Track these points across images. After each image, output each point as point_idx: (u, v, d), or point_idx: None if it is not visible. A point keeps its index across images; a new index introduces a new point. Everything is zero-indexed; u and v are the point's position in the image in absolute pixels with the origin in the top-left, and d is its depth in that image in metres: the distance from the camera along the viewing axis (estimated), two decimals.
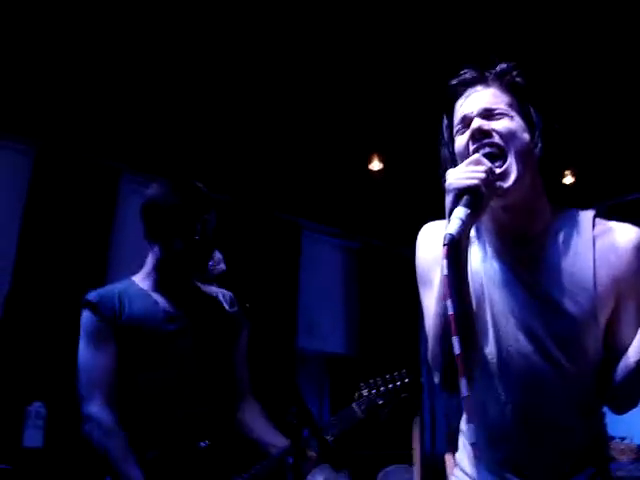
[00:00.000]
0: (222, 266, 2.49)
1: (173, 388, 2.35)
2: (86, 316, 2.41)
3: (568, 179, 5.99)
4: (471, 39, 4.40)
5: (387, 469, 5.66)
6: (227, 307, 2.58)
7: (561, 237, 1.72)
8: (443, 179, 1.65)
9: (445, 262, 1.40)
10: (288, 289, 6.63)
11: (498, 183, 1.62)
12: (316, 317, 6.92)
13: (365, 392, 2.84)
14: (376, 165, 5.92)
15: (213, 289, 2.66)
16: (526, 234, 1.74)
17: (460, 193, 1.56)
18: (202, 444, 2.32)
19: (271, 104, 5.20)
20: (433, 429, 7.40)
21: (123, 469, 2.20)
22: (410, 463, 5.47)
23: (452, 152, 1.81)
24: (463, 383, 1.29)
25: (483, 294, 1.73)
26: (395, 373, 2.90)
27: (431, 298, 1.72)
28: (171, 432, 2.31)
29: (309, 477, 4.48)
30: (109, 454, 2.23)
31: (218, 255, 2.64)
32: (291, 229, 6.92)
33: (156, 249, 2.49)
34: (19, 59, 4.68)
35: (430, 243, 1.87)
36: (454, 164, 1.76)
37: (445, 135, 1.87)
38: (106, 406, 2.28)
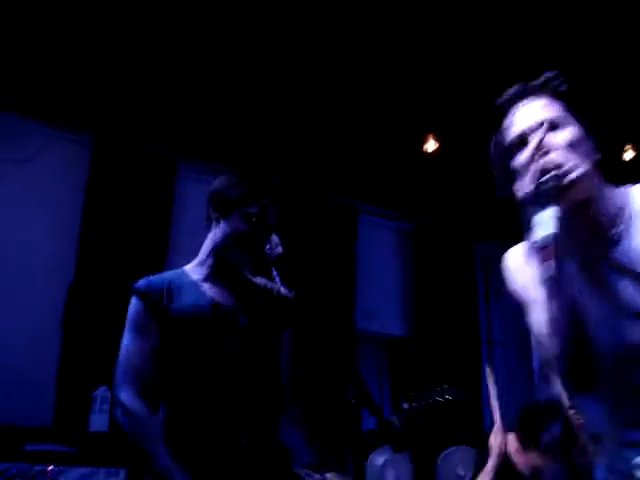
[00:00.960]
0: (279, 249, 2.45)
1: (219, 383, 2.32)
2: (133, 303, 2.41)
3: (629, 154, 5.87)
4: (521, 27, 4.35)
5: (448, 451, 5.63)
6: (276, 302, 2.55)
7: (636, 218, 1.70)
8: (500, 196, 1.64)
9: (552, 262, 1.39)
10: (345, 272, 6.63)
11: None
12: (374, 299, 6.91)
13: (405, 405, 2.73)
14: (431, 145, 5.87)
15: (263, 282, 2.61)
16: (602, 225, 1.72)
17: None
18: (243, 442, 2.29)
19: (325, 86, 5.20)
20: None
21: (154, 457, 2.19)
22: (472, 445, 5.43)
23: (508, 168, 1.80)
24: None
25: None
26: (444, 387, 2.73)
27: (537, 311, 1.69)
28: (214, 427, 2.29)
29: (371, 457, 4.51)
30: (139, 443, 2.23)
31: (275, 238, 2.60)
32: (347, 212, 6.91)
33: (217, 230, 2.47)
34: (75, 51, 4.76)
35: (522, 264, 1.86)
36: (512, 181, 1.77)
37: (496, 153, 1.87)
38: (138, 395, 2.27)
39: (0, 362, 4.81)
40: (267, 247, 2.39)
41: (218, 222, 2.47)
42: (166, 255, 5.64)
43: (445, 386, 2.73)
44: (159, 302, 2.36)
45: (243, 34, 4.61)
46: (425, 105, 5.43)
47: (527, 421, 3.90)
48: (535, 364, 7.47)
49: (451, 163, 6.24)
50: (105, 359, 4.97)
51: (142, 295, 2.39)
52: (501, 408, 3.93)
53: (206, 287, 2.45)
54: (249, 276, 2.59)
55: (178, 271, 2.53)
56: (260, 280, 2.61)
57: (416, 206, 7.24)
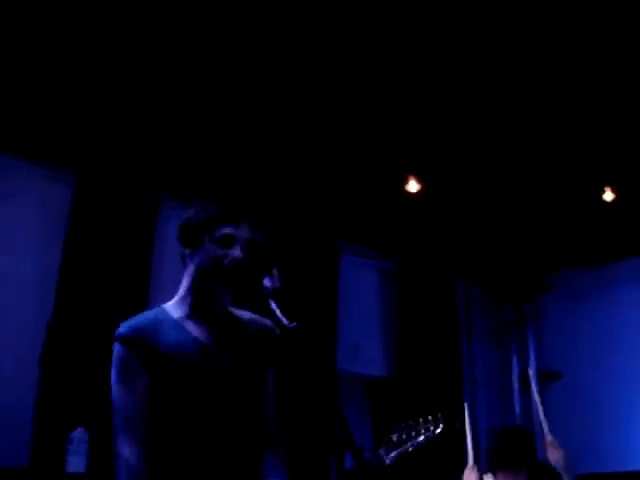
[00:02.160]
0: (277, 282, 2.42)
1: (202, 425, 2.29)
2: (117, 351, 2.34)
3: (608, 195, 5.94)
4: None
5: None
6: (261, 337, 2.52)
7: None
8: None
9: None
10: (327, 311, 6.61)
11: None
12: (356, 340, 6.88)
13: (395, 437, 2.71)
14: (413, 186, 5.90)
15: (248, 316, 2.57)
16: None
17: None
18: None
19: (307, 126, 5.23)
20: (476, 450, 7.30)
21: None
22: None
23: None
24: None
25: None
26: (429, 417, 2.73)
27: None
28: (198, 470, 2.26)
29: None
30: None
31: (275, 272, 2.57)
32: (329, 251, 6.91)
33: (190, 268, 2.45)
34: (58, 89, 4.77)
35: None
36: None
37: None
38: (137, 448, 2.23)
39: None
40: (265, 280, 2.35)
41: (191, 257, 2.44)
42: (147, 293, 5.60)
43: (431, 417, 2.71)
44: (144, 345, 2.31)
45: (223, 73, 4.64)
46: (406, 147, 5.47)
47: (497, 443, 3.94)
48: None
49: (432, 203, 6.28)
50: (83, 399, 4.96)
51: (126, 341, 2.33)
52: (477, 447, 3.92)
53: (189, 325, 2.41)
54: (232, 310, 2.55)
55: (158, 310, 2.48)
56: (244, 314, 2.57)
57: (398, 245, 7.26)
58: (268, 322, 2.53)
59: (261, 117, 5.12)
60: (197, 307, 2.44)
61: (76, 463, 4.75)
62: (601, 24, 4.11)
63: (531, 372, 7.36)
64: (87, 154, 5.50)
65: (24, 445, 4.84)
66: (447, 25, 4.20)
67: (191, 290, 2.45)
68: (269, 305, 2.30)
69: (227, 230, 2.39)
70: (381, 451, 2.67)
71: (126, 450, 2.23)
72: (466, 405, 4.20)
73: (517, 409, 7.52)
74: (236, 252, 2.38)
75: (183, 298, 2.46)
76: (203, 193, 5.93)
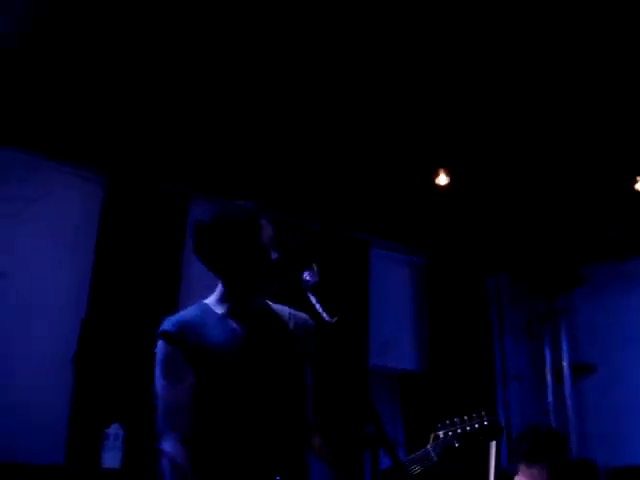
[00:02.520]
0: (316, 277, 2.41)
1: (249, 419, 2.30)
2: (162, 346, 2.35)
3: None
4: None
5: None
6: (299, 330, 2.54)
7: None
8: None
9: None
10: (358, 307, 6.61)
11: None
12: (388, 334, 6.88)
13: (441, 434, 2.74)
14: (442, 179, 5.87)
15: (285, 310, 2.59)
16: None
17: None
18: (278, 478, 2.26)
19: (337, 121, 5.22)
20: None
21: None
22: None
23: None
24: None
25: None
26: (474, 414, 2.77)
27: None
28: (247, 464, 2.27)
29: None
30: None
31: (314, 267, 2.57)
32: (359, 247, 6.91)
33: (220, 280, 2.47)
34: (89, 90, 4.81)
35: None
36: None
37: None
38: (181, 444, 2.24)
39: (12, 399, 4.80)
40: (305, 274, 2.35)
41: (221, 275, 2.46)
42: (178, 290, 5.64)
43: (475, 414, 2.73)
44: (189, 341, 2.33)
45: (253, 71, 4.65)
46: (436, 140, 5.45)
47: (519, 438, 3.94)
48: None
49: (462, 197, 6.24)
50: (118, 396, 5.02)
51: (170, 337, 2.34)
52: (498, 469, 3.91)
53: (232, 322, 2.42)
54: (271, 305, 2.57)
55: (201, 305, 2.50)
56: (283, 309, 2.59)
57: (428, 239, 7.23)
58: (304, 315, 2.56)
59: (290, 114, 5.12)
60: (238, 304, 2.45)
61: (112, 459, 4.80)
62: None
63: (565, 365, 7.34)
64: (118, 154, 5.55)
65: (60, 442, 4.91)
66: (481, 15, 4.17)
67: (227, 297, 2.46)
68: (308, 299, 2.29)
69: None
70: (429, 447, 2.70)
71: (171, 448, 2.24)
72: (492, 444, 4.18)
73: (550, 402, 7.47)
74: (272, 254, 2.42)
75: (223, 295, 2.48)
76: (233, 191, 5.99)
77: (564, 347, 7.56)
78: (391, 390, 7.31)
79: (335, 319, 2.23)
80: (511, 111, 5.09)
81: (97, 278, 5.37)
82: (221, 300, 2.48)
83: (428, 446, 2.71)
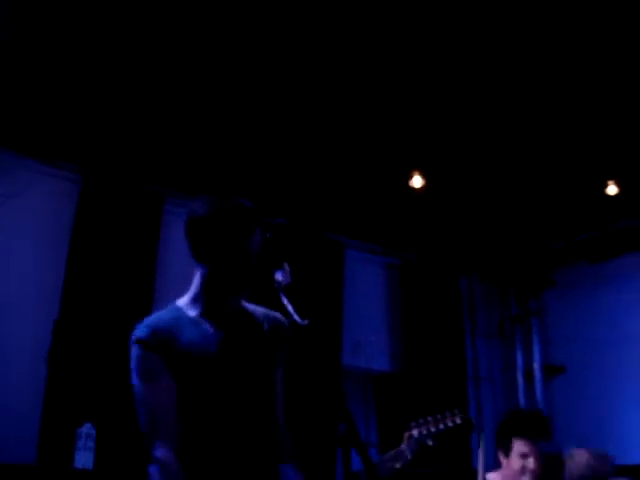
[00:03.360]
0: (289, 278, 2.39)
1: (226, 418, 2.29)
2: (137, 353, 2.31)
3: (611, 189, 5.95)
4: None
5: None
6: (273, 331, 2.52)
7: None
8: None
9: None
10: (332, 307, 6.63)
11: None
12: (360, 335, 6.90)
13: (415, 432, 2.76)
14: (417, 181, 5.91)
15: (259, 310, 2.57)
16: None
17: None
18: None
19: (312, 121, 5.24)
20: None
21: None
22: None
23: None
24: None
25: None
26: (447, 412, 2.81)
27: None
28: (219, 467, 2.26)
29: None
30: None
31: (286, 267, 2.55)
32: (334, 248, 6.93)
33: (204, 269, 2.43)
34: (64, 87, 4.79)
35: None
36: None
37: None
38: (170, 448, 2.21)
39: None
40: (277, 274, 2.33)
41: (204, 260, 2.42)
42: (153, 289, 5.64)
43: (449, 411, 2.75)
44: (163, 344, 2.29)
45: (226, 71, 4.65)
46: (411, 142, 5.48)
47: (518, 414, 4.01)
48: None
49: (436, 199, 6.29)
50: (90, 395, 5.00)
51: (145, 344, 2.29)
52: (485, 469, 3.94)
53: (206, 323, 2.39)
54: (246, 305, 2.55)
55: (173, 308, 2.46)
56: (257, 309, 2.57)
57: (402, 241, 7.27)
58: (278, 315, 2.53)
59: (265, 113, 5.13)
60: (212, 305, 2.43)
61: (84, 459, 4.78)
62: (607, 18, 4.12)
63: (536, 366, 7.41)
64: (92, 151, 5.53)
65: (32, 441, 4.87)
66: (450, 23, 4.20)
67: (204, 291, 2.44)
68: (280, 300, 2.27)
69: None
70: (403, 446, 2.72)
71: (162, 453, 2.21)
72: (482, 435, 4.22)
73: (521, 403, 7.54)
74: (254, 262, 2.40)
75: (197, 296, 2.45)
76: (206, 189, 5.98)
77: (535, 348, 7.63)
78: (364, 390, 7.33)
79: (306, 322, 2.21)
80: (485, 114, 5.14)
81: (70, 277, 5.34)
82: (194, 301, 2.44)
83: (402, 445, 2.73)
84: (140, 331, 2.33)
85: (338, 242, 6.99)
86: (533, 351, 7.63)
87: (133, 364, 2.32)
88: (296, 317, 2.21)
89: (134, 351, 2.32)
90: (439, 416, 2.80)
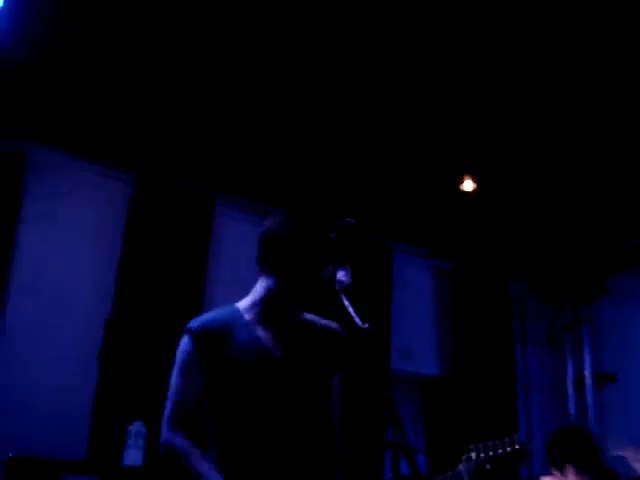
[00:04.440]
0: (350, 279, 2.38)
1: (268, 430, 2.28)
2: (185, 343, 2.35)
3: None
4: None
5: None
6: (328, 341, 2.52)
7: None
8: None
9: None
10: (381, 311, 6.61)
11: None
12: (409, 339, 6.87)
13: (473, 455, 2.65)
14: (468, 185, 5.87)
15: (315, 319, 2.57)
16: None
17: None
18: None
19: (362, 126, 5.23)
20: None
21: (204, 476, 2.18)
22: None
23: None
24: None
25: None
26: (506, 439, 2.70)
27: None
28: (266, 476, 2.25)
29: None
30: (194, 470, 2.20)
31: (349, 267, 2.52)
32: (382, 251, 6.91)
33: (270, 280, 2.43)
34: (117, 89, 4.86)
35: None
36: None
37: None
38: (185, 437, 2.24)
39: (37, 395, 4.87)
40: (339, 274, 2.33)
41: (273, 272, 2.45)
42: (203, 291, 5.68)
43: (508, 438, 2.68)
44: (212, 343, 2.32)
45: (279, 77, 4.68)
46: (463, 147, 5.45)
47: (571, 438, 3.96)
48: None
49: (487, 203, 6.24)
50: (141, 394, 5.06)
51: (196, 338, 2.33)
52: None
53: (259, 330, 2.41)
54: (305, 316, 2.56)
55: (232, 309, 2.48)
56: (312, 318, 2.58)
57: (452, 245, 7.22)
58: (334, 325, 2.55)
59: (318, 117, 5.14)
60: (270, 313, 2.45)
61: (133, 456, 4.83)
62: None
63: (587, 374, 7.29)
64: (146, 154, 5.60)
65: (83, 438, 4.95)
66: (503, 26, 4.17)
67: (265, 300, 2.45)
68: (342, 301, 2.28)
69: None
70: (461, 467, 2.63)
71: (178, 440, 2.25)
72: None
73: (572, 411, 7.43)
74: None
75: (257, 302, 2.46)
76: (258, 193, 6.04)
77: (586, 356, 7.52)
78: (413, 395, 7.30)
79: (367, 325, 2.22)
80: (538, 118, 5.08)
81: (122, 277, 5.41)
82: (254, 306, 2.46)
83: (460, 466, 2.63)
84: (194, 323, 2.38)
85: (387, 245, 6.96)
86: (584, 359, 7.52)
87: (177, 352, 2.36)
88: (357, 319, 2.23)
89: (182, 340, 2.36)
90: (498, 442, 2.73)
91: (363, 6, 4.05)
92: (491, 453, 2.62)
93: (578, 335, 7.63)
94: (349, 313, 2.24)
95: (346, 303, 2.27)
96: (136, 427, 4.86)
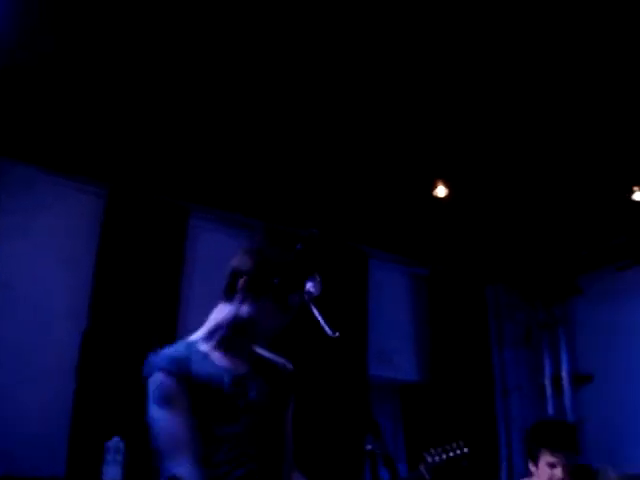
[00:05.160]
0: (319, 289, 2.40)
1: (228, 455, 2.30)
2: (159, 378, 2.31)
3: (638, 195, 5.90)
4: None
5: None
6: (279, 376, 2.56)
7: None
8: None
9: None
10: (357, 317, 6.61)
11: None
12: (386, 345, 6.88)
13: (429, 459, 3.04)
14: (441, 191, 5.90)
15: (267, 354, 2.61)
16: None
17: None
18: None
19: (335, 132, 5.24)
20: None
21: None
22: None
23: None
24: None
25: None
26: (454, 444, 3.10)
27: None
28: None
29: None
30: None
31: (317, 277, 2.54)
32: (358, 257, 6.92)
33: (239, 307, 2.43)
34: (88, 102, 4.84)
35: None
36: None
37: None
38: (196, 465, 2.21)
39: (12, 411, 4.81)
40: (308, 284, 2.34)
41: (245, 300, 2.44)
42: (178, 303, 5.66)
43: (459, 442, 3.09)
44: (184, 372, 2.31)
45: (253, 81, 4.68)
46: (434, 151, 5.48)
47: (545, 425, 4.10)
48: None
49: (461, 208, 6.27)
50: (119, 409, 5.02)
51: (167, 370, 2.31)
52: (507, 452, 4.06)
53: (215, 356, 2.42)
54: (256, 349, 2.58)
55: (186, 342, 2.48)
56: (263, 352, 2.61)
57: (427, 250, 7.25)
58: (282, 360, 2.61)
59: (289, 125, 5.15)
60: (227, 342, 2.45)
61: (112, 472, 4.80)
62: None
63: (564, 374, 7.34)
64: (118, 167, 5.57)
65: (61, 455, 4.90)
66: (480, 28, 4.19)
67: (230, 328, 2.45)
68: (311, 311, 2.30)
69: (294, 300, 2.42)
70: (422, 468, 2.99)
71: (184, 469, 2.20)
72: None
73: (550, 412, 7.47)
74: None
75: (214, 329, 2.48)
76: (232, 204, 6.03)
77: (563, 356, 7.57)
78: (392, 401, 7.31)
79: (337, 334, 2.23)
80: (509, 123, 5.12)
81: (97, 290, 5.38)
82: (210, 335, 2.47)
83: (421, 467, 3.01)
84: (160, 361, 2.35)
85: (362, 251, 6.98)
86: (561, 359, 7.58)
87: (153, 391, 2.32)
88: (327, 329, 2.24)
89: (154, 378, 2.33)
90: (448, 447, 3.09)
91: (337, 12, 4.07)
92: (444, 456, 3.03)
93: (554, 335, 7.69)
94: (320, 323, 2.25)
95: (316, 313, 2.29)
96: (114, 442, 4.83)
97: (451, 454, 3.03)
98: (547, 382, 7.61)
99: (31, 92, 4.71)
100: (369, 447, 2.09)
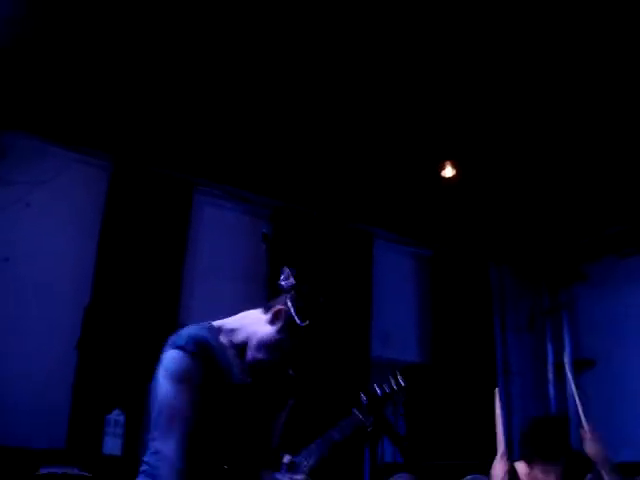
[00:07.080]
0: (291, 280, 2.46)
1: (224, 443, 2.37)
2: (179, 356, 2.33)
3: None
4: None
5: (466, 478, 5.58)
6: (283, 379, 2.62)
7: None
8: None
9: None
10: (361, 298, 6.60)
11: None
12: (390, 325, 6.87)
13: (364, 399, 3.14)
14: (448, 172, 5.87)
15: None
16: None
17: None
18: None
19: (343, 113, 5.22)
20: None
21: None
22: (486, 473, 5.37)
23: None
24: None
25: None
26: (392, 379, 3.36)
27: None
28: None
29: None
30: None
31: (286, 271, 2.59)
32: (363, 238, 6.90)
33: (264, 325, 2.49)
34: (95, 76, 4.81)
35: None
36: None
37: None
38: (182, 449, 2.24)
39: (15, 384, 4.82)
40: (281, 279, 2.41)
41: (273, 325, 2.47)
42: (181, 277, 5.63)
43: (398, 375, 3.36)
44: (203, 354, 2.34)
45: (258, 61, 4.65)
46: (443, 133, 5.44)
47: (535, 432, 4.01)
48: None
49: (468, 189, 6.23)
50: (119, 383, 5.03)
51: (188, 350, 2.33)
52: (509, 435, 4.01)
53: (230, 354, 2.45)
54: None
55: (209, 327, 2.50)
56: None
57: (432, 231, 7.22)
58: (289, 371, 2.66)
59: (296, 103, 5.11)
60: (242, 348, 2.49)
61: (112, 445, 4.82)
62: None
63: (566, 360, 7.31)
64: (123, 140, 5.54)
65: (62, 427, 4.92)
66: (486, 15, 4.16)
67: (249, 338, 2.49)
68: (285, 302, 2.41)
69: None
70: (355, 410, 3.12)
71: (172, 450, 2.24)
72: (497, 391, 4.22)
73: (552, 397, 7.46)
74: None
75: (237, 332, 2.51)
76: (237, 179, 6.01)
77: (566, 342, 7.55)
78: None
79: (306, 323, 2.38)
80: (517, 105, 5.08)
81: (101, 263, 5.37)
82: (231, 333, 2.50)
83: (354, 410, 3.14)
84: (180, 339, 2.36)
85: (367, 232, 6.95)
86: (564, 344, 7.56)
87: (168, 366, 2.33)
88: (296, 318, 2.38)
89: (172, 354, 2.34)
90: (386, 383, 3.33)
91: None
92: (379, 392, 3.22)
93: (558, 321, 7.67)
94: (291, 312, 2.39)
95: (289, 304, 2.41)
96: (115, 416, 4.84)
97: (387, 390, 3.22)
98: (550, 367, 7.59)
99: (35, 65, 4.68)
100: (370, 428, 2.10)
